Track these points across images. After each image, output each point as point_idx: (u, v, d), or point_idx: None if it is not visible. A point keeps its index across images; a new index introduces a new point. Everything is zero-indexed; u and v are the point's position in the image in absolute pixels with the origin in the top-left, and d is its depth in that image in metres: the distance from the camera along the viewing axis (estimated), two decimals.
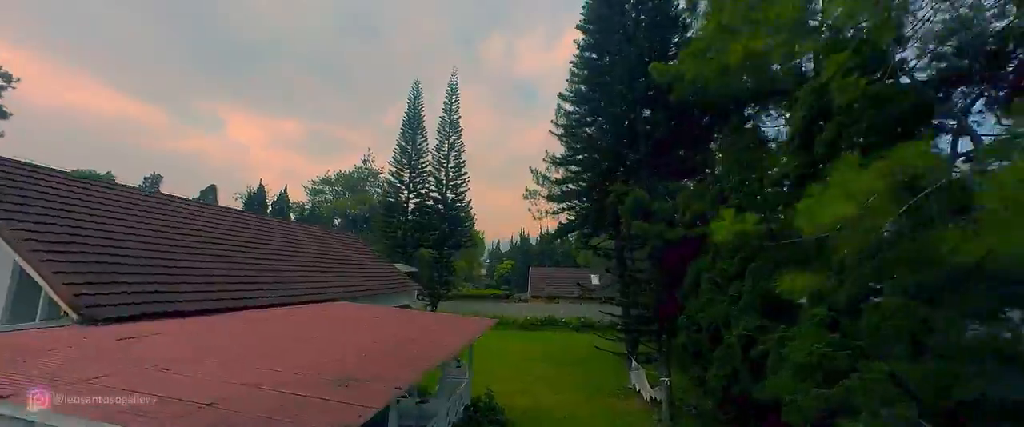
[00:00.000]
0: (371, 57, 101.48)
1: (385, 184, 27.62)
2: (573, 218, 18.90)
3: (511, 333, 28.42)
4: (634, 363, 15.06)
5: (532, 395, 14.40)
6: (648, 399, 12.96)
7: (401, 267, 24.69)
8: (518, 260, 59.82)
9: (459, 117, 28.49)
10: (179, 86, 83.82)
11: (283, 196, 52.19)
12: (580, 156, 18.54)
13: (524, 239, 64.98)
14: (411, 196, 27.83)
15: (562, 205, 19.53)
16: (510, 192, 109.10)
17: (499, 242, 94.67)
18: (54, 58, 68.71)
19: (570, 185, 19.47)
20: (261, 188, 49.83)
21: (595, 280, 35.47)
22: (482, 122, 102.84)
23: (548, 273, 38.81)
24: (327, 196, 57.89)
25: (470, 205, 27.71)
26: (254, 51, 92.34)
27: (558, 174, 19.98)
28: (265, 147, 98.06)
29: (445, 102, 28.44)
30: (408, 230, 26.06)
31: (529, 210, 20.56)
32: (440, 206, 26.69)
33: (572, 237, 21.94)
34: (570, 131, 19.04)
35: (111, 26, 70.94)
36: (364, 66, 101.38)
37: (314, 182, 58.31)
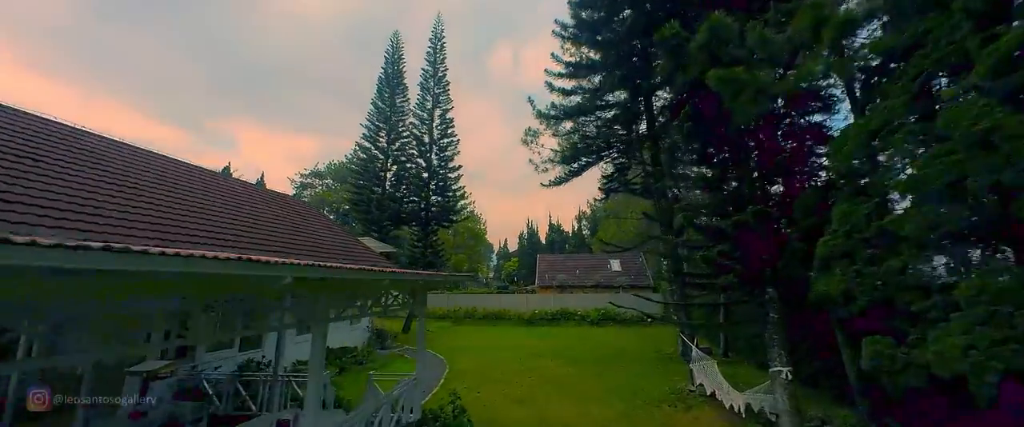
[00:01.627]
0: (373, 67, 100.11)
1: (357, 150, 22.81)
2: (591, 144, 13.64)
3: (514, 329, 23.25)
4: (696, 352, 9.81)
5: (536, 405, 9.26)
6: (735, 408, 7.72)
7: (372, 244, 19.82)
8: (525, 254, 54.54)
9: (446, 70, 23.84)
10: (199, 109, 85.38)
11: (260, 184, 48.00)
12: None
13: (531, 232, 59.76)
14: (389, 163, 23.07)
15: (577, 133, 14.39)
16: (522, 201, 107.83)
17: (506, 241, 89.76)
18: (86, 88, 69.89)
19: (587, 81, 13.98)
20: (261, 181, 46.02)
21: (615, 266, 30.11)
22: (492, 134, 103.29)
23: (557, 260, 33.57)
24: (317, 189, 53.75)
25: (460, 171, 22.88)
26: (270, 73, 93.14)
27: (568, 83, 14.61)
28: (283, 162, 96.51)
29: (428, 51, 23.83)
30: (385, 203, 21.24)
31: (531, 163, 15.27)
32: (425, 174, 21.84)
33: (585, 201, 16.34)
34: None
35: (137, 57, 73.16)
36: (374, 83, 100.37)
37: (303, 175, 54.24)
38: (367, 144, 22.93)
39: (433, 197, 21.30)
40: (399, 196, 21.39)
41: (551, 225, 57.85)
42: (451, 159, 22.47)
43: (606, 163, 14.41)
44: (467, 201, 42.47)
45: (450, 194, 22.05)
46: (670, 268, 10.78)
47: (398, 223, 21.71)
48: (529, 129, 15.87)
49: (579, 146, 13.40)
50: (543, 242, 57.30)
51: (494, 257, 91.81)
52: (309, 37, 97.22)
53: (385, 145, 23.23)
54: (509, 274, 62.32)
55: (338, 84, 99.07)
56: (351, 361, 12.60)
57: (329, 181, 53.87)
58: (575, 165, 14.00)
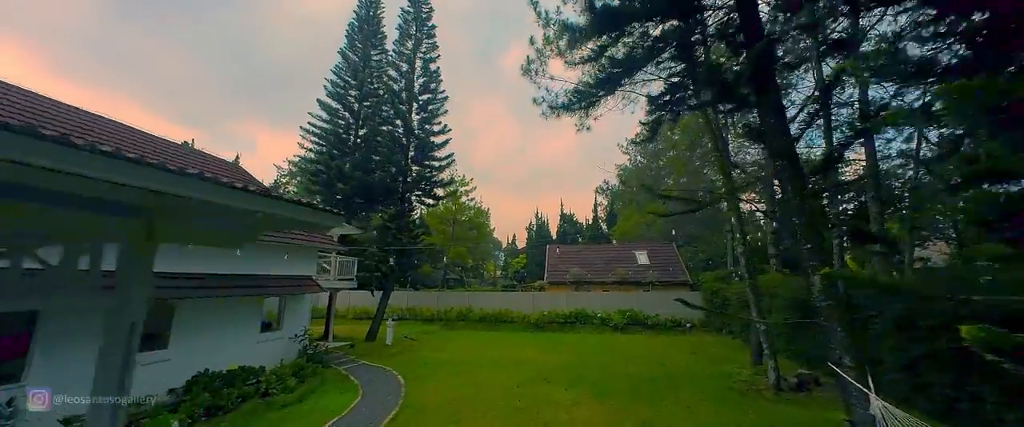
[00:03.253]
0: None
1: (320, 109, 18.31)
2: (632, 54, 8.52)
3: (518, 336, 18.55)
4: (875, 399, 4.78)
5: None
6: None
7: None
8: (533, 250, 49.68)
9: (431, 10, 19.22)
10: (217, 111, 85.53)
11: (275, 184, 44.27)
12: None
13: (540, 224, 54.76)
14: (359, 126, 18.56)
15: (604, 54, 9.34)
16: (532, 201, 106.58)
17: (514, 236, 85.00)
18: (108, 90, 70.28)
19: None
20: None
21: (642, 258, 25.09)
22: (502, 133, 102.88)
23: (571, 252, 28.69)
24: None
25: (448, 135, 18.18)
26: (284, 75, 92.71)
27: None
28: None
29: None
30: (352, 173, 16.73)
31: (534, 102, 10.15)
32: (401, 135, 17.21)
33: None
34: None
35: (157, 61, 73.85)
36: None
37: (292, 163, 50.28)
38: (332, 103, 18.44)
39: (411, 165, 16.63)
40: (370, 166, 16.80)
41: (563, 215, 52.61)
42: (435, 116, 17.81)
43: (651, 79, 9.43)
44: (459, 177, 38.10)
45: (432, 160, 17.39)
46: (807, 236, 5.72)
47: (370, 201, 17.17)
48: (534, 54, 10.98)
49: (610, 65, 8.50)
50: (554, 236, 52.33)
51: (502, 255, 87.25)
52: (320, 45, 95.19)
53: (354, 104, 18.72)
54: (517, 271, 57.55)
55: None
56: (251, 390, 8.03)
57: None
58: (600, 92, 9.11)
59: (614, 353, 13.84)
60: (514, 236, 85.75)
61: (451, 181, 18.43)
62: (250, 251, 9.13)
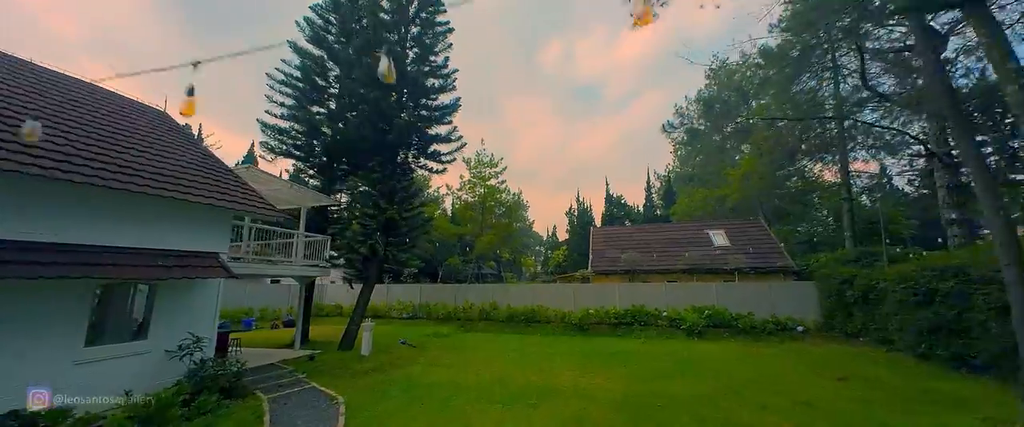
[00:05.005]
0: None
1: (291, 58, 14.64)
2: None
3: (554, 342, 14.05)
4: None
5: None
6: None
7: (305, 196, 11.62)
8: (576, 239, 44.36)
9: None
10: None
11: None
12: None
13: (582, 209, 49.05)
14: (340, 75, 14.77)
15: None
16: (574, 195, 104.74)
17: (554, 227, 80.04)
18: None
19: None
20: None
21: (719, 239, 19.35)
22: (544, 131, 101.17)
23: (622, 234, 23.34)
24: None
25: (452, 77, 13.86)
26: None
27: None
28: None
29: None
30: (333, 128, 13.03)
31: None
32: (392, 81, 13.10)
33: None
34: None
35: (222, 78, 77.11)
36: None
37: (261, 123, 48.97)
38: (308, 47, 14.80)
39: (400, 112, 12.48)
40: (354, 118, 12.93)
41: (609, 197, 46.31)
42: (431, 51, 13.53)
43: None
44: (484, 155, 33.91)
45: (427, 107, 13.14)
46: None
47: (355, 165, 13.35)
48: None
49: None
50: (598, 224, 46.66)
51: (542, 250, 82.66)
52: None
53: (335, 45, 14.88)
54: (557, 265, 52.62)
55: None
56: None
57: None
58: None
59: (703, 376, 8.81)
60: (553, 227, 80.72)
61: (458, 138, 14.06)
62: (78, 204, 5.39)
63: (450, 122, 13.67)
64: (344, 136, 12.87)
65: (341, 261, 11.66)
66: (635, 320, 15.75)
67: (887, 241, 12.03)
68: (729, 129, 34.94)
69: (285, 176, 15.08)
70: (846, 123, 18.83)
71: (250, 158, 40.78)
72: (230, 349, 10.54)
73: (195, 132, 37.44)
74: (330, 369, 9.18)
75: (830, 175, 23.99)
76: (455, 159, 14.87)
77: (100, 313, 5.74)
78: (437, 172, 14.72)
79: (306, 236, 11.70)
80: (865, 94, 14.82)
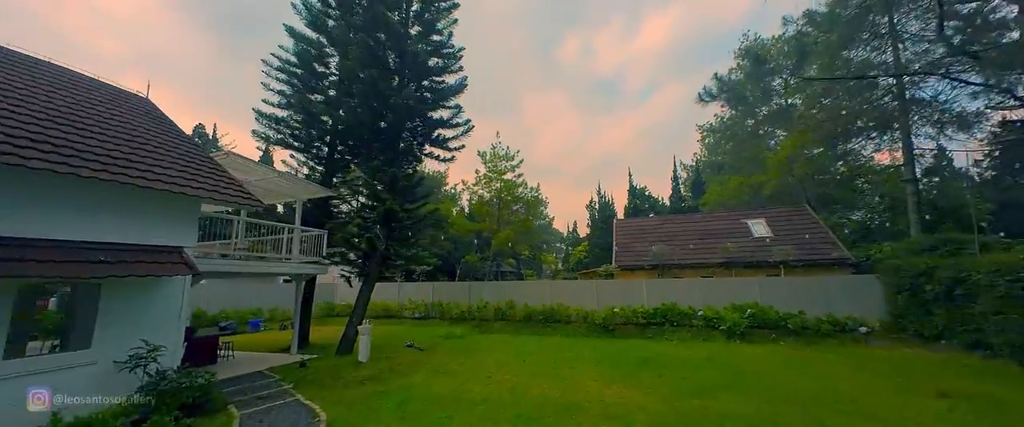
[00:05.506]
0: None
1: (287, 36, 13.74)
2: None
3: (576, 344, 12.76)
4: None
5: None
6: None
7: (299, 189, 10.76)
8: (597, 233, 42.56)
9: None
10: None
11: None
12: None
13: (604, 203, 47.07)
14: (338, 60, 13.85)
15: None
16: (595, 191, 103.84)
17: (575, 223, 78.24)
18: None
19: None
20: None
21: (759, 229, 17.45)
22: (564, 127, 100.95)
23: (648, 225, 21.63)
24: None
25: (457, 54, 12.67)
26: None
27: None
28: None
29: None
30: (327, 112, 12.13)
31: None
32: (387, 54, 12.04)
33: None
34: None
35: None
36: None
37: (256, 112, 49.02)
38: (306, 32, 13.93)
39: (399, 95, 11.35)
40: (351, 102, 11.96)
41: (633, 189, 44.07)
42: (435, 28, 12.36)
43: None
44: (500, 148, 32.64)
45: (431, 88, 12.00)
46: None
47: (355, 155, 12.42)
48: None
49: None
50: (621, 217, 44.66)
51: (563, 247, 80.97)
52: None
53: (333, 28, 13.94)
54: (579, 262, 50.97)
55: None
56: None
57: None
58: None
59: (756, 388, 7.30)
60: (574, 223, 78.86)
61: (465, 123, 12.86)
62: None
63: (455, 106, 12.47)
64: (344, 123, 11.92)
65: (338, 257, 10.71)
66: (666, 320, 14.20)
67: (980, 226, 10.03)
68: (764, 112, 32.39)
69: (296, 172, 14.29)
70: (908, 94, 16.51)
71: (267, 158, 41.09)
72: (221, 353, 9.78)
73: (210, 132, 37.92)
74: (320, 378, 8.20)
75: (883, 157, 21.47)
76: (464, 146, 13.71)
77: (24, 318, 4.87)
78: (445, 160, 13.61)
79: (303, 230, 10.82)
80: (939, 54, 12.63)
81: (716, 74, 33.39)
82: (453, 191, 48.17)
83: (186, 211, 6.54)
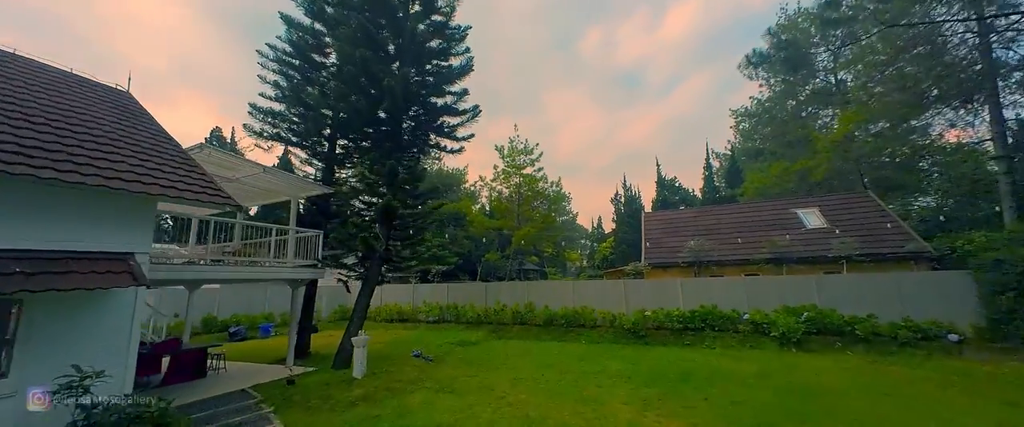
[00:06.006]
0: (475, 78, 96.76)
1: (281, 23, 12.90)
2: None
3: (603, 352, 11.42)
4: None
5: None
6: None
7: (295, 186, 9.94)
8: (623, 228, 40.52)
9: None
10: None
11: None
12: None
13: (630, 196, 44.79)
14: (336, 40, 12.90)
15: None
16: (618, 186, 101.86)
17: (599, 219, 75.98)
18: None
19: None
20: None
21: (812, 220, 15.41)
22: (587, 122, 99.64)
23: (681, 218, 19.74)
24: None
25: (462, 33, 11.45)
26: None
27: None
28: None
29: None
30: (321, 101, 11.23)
31: None
32: (384, 37, 10.96)
33: None
34: None
35: None
36: (471, 87, 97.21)
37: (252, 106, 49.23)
38: (302, 19, 13.09)
39: (395, 76, 10.23)
40: (342, 87, 10.98)
41: (661, 181, 41.53)
42: (436, 7, 11.16)
43: None
44: (519, 141, 31.29)
45: (433, 73, 10.83)
46: None
47: (354, 145, 11.47)
48: None
49: None
50: (648, 208, 42.37)
51: (588, 243, 78.89)
52: None
53: (332, 14, 13.02)
54: (604, 258, 49.00)
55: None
56: None
57: None
58: None
59: (834, 422, 5.73)
60: (599, 218, 76.57)
61: (472, 109, 11.64)
62: None
63: (460, 90, 11.26)
64: (338, 111, 10.97)
65: (330, 260, 9.77)
66: (706, 324, 12.55)
67: None
68: (807, 91, 29.46)
69: (299, 170, 13.56)
70: (994, 57, 13.95)
71: (286, 162, 41.44)
72: (211, 366, 9.06)
73: (228, 135, 38.42)
74: (307, 398, 7.23)
75: (953, 135, 18.60)
76: (473, 135, 12.54)
77: None
78: (453, 152, 12.50)
79: (296, 232, 9.97)
80: None
81: (769, 28, 29.00)
82: (473, 188, 47.31)
83: (139, 212, 5.67)
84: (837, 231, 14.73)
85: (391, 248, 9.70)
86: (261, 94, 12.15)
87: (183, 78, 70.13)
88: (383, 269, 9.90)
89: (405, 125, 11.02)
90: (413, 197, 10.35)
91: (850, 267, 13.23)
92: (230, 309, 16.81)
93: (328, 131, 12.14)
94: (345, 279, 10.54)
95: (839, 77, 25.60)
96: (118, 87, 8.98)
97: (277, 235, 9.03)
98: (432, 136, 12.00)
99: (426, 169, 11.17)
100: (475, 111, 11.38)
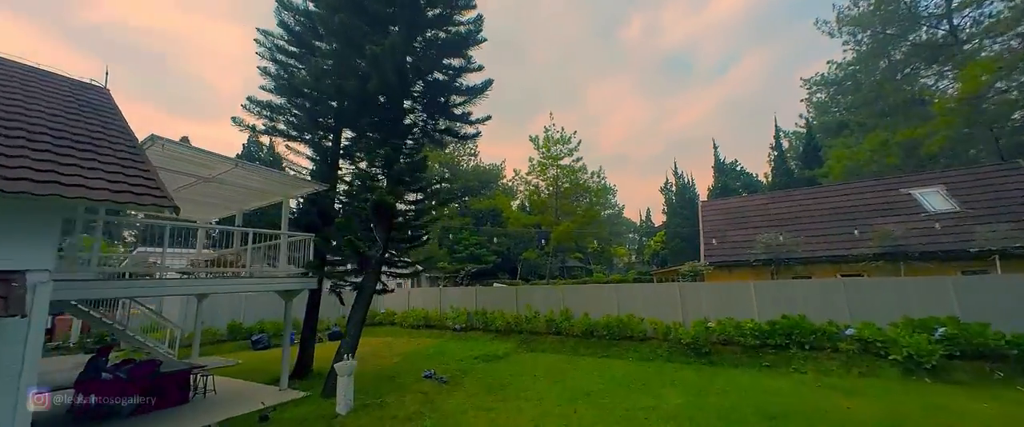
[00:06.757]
0: (514, 74, 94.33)
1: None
2: None
3: (656, 375, 9.24)
4: None
5: None
6: None
7: (286, 184, 8.84)
8: (674, 219, 36.73)
9: None
10: None
11: None
12: None
13: (683, 184, 40.54)
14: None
15: None
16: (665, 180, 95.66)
17: (648, 211, 71.40)
18: None
19: None
20: None
21: (935, 201, 11.92)
22: (631, 111, 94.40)
23: (751, 206, 16.47)
24: None
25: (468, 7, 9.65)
26: None
27: None
28: None
29: None
30: (302, 91, 10.11)
31: None
32: (382, 6, 9.43)
33: None
34: None
35: None
36: (511, 84, 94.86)
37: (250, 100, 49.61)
38: (302, 2, 12.00)
39: (380, 42, 8.65)
40: (323, 65, 9.70)
41: (720, 164, 36.85)
42: None
43: None
44: (556, 130, 28.95)
45: (434, 40, 9.13)
46: None
47: (361, 137, 10.16)
48: None
49: None
50: (704, 197, 38.12)
51: (636, 237, 74.59)
52: None
53: None
54: (654, 254, 45.31)
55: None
56: None
57: None
58: None
59: None
60: (648, 211, 71.85)
61: (483, 85, 9.83)
62: None
63: (459, 67, 9.43)
64: (334, 96, 9.68)
65: (310, 269, 8.38)
66: (791, 340, 9.86)
67: None
68: (907, 45, 24.30)
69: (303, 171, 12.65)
70: None
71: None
72: (198, 388, 8.15)
73: (265, 142, 39.51)
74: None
75: None
76: (490, 117, 10.75)
77: None
78: (467, 138, 10.82)
79: (290, 236, 8.83)
80: None
81: None
82: (510, 185, 45.71)
83: (33, 219, 4.54)
84: (974, 215, 11.12)
85: (389, 252, 8.24)
86: (262, 87, 11.24)
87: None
88: (378, 277, 8.42)
89: (407, 106, 9.48)
90: (415, 189, 8.81)
91: (1004, 264, 9.75)
92: (255, 315, 16.53)
93: (333, 123, 10.97)
94: (337, 290, 9.27)
95: (955, 23, 20.55)
96: (92, 82, 8.31)
97: (251, 243, 7.86)
98: (441, 120, 10.38)
99: (426, 158, 9.48)
100: (486, 86, 9.53)
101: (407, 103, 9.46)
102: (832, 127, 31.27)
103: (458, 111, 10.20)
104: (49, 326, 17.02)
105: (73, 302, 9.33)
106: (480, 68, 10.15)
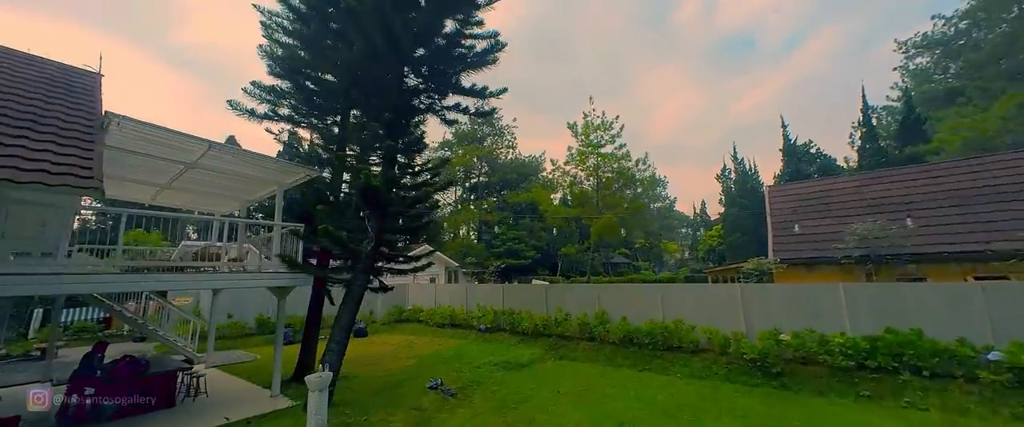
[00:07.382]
0: (557, 71, 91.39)
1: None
2: None
3: (702, 395, 7.26)
4: None
5: None
6: None
7: (281, 173, 8.12)
8: (733, 210, 32.81)
9: None
10: None
11: None
12: None
13: (744, 172, 36.09)
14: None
15: None
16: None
17: (703, 203, 66.14)
18: None
19: None
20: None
21: None
22: (685, 100, 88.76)
23: (835, 191, 13.38)
24: None
25: None
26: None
27: None
28: None
29: None
30: (302, 70, 9.34)
31: None
32: None
33: None
34: None
35: None
36: (553, 82, 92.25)
37: (254, 85, 49.87)
38: None
39: (390, 30, 7.50)
40: (339, 47, 8.79)
41: (790, 146, 31.87)
42: None
43: None
44: (595, 116, 26.65)
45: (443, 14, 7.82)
46: None
47: (370, 119, 9.22)
48: None
49: None
50: (769, 182, 33.70)
51: (689, 232, 69.52)
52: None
53: None
54: (710, 249, 41.32)
55: (523, 89, 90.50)
56: None
57: None
58: None
59: None
60: (702, 203, 66.43)
61: (495, 47, 8.37)
62: None
63: (454, 31, 7.96)
64: (324, 67, 8.79)
65: (285, 262, 7.44)
66: (901, 363, 7.49)
67: None
68: None
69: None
70: None
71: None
72: (191, 389, 7.63)
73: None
74: None
75: None
76: (506, 89, 9.32)
77: None
78: (480, 114, 9.49)
79: (283, 226, 8.08)
80: None
81: None
82: (550, 177, 43.89)
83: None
84: None
85: (384, 247, 7.15)
86: (271, 74, 10.66)
87: None
88: (369, 275, 7.35)
89: (412, 84, 8.31)
90: (411, 172, 7.62)
91: None
92: (290, 309, 16.42)
93: (339, 104, 10.14)
94: (326, 286, 8.39)
95: None
96: (86, 67, 8.03)
97: (225, 238, 7.12)
98: (450, 95, 9.11)
99: (424, 135, 8.22)
100: (495, 50, 8.02)
101: (412, 81, 8.26)
102: (937, 97, 26.02)
103: (467, 83, 8.87)
104: (106, 316, 18.30)
105: (95, 295, 9.41)
106: (495, 35, 8.71)
